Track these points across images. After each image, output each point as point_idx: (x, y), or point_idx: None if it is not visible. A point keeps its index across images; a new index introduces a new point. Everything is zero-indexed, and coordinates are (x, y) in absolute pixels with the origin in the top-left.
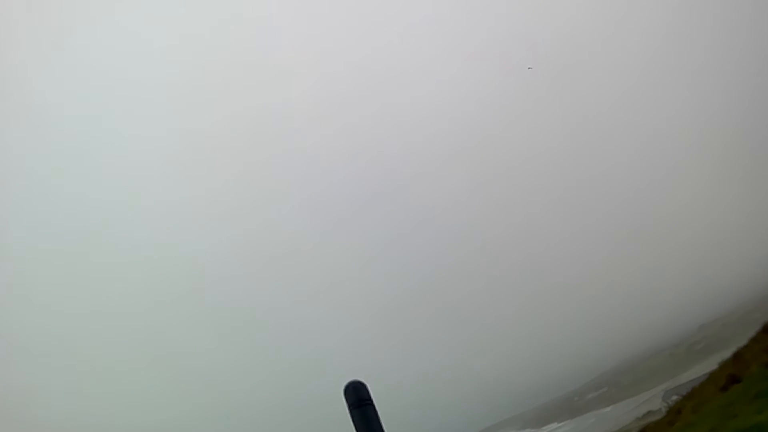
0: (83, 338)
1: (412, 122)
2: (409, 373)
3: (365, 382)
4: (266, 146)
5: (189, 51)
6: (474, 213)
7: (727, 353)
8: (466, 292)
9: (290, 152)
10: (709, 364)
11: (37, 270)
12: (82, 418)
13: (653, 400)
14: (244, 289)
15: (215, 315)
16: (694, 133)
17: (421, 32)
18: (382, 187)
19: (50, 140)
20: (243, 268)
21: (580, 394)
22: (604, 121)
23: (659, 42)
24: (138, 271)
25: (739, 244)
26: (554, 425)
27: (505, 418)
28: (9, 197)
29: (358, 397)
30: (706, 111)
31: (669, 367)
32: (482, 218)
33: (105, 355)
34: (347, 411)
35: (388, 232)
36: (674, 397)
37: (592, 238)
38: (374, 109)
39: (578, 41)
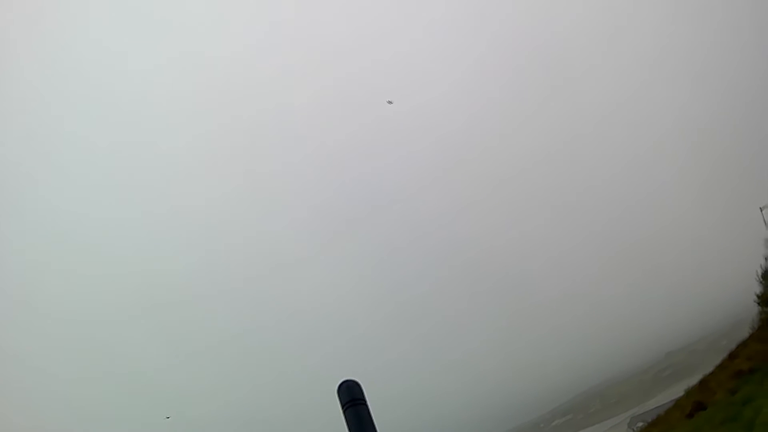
0: (83, 345)
1: (413, 131)
2: (375, 396)
3: (359, 382)
4: (264, 155)
5: (190, 57)
6: (470, 225)
7: (693, 380)
8: (441, 316)
9: (288, 161)
10: (676, 391)
11: (29, 277)
12: (42, 426)
13: (619, 427)
14: (240, 300)
15: (208, 325)
16: (671, 160)
17: (423, 41)
18: (382, 198)
19: (46, 147)
20: (238, 278)
21: (546, 421)
22: (596, 137)
23: (653, 60)
24: (131, 280)
25: (707, 273)
26: None
27: None
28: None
29: (351, 397)
30: (691, 133)
31: (635, 394)
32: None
33: (94, 364)
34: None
35: (386, 245)
36: (640, 424)
37: (562, 265)
38: (374, 117)
39: (574, 56)
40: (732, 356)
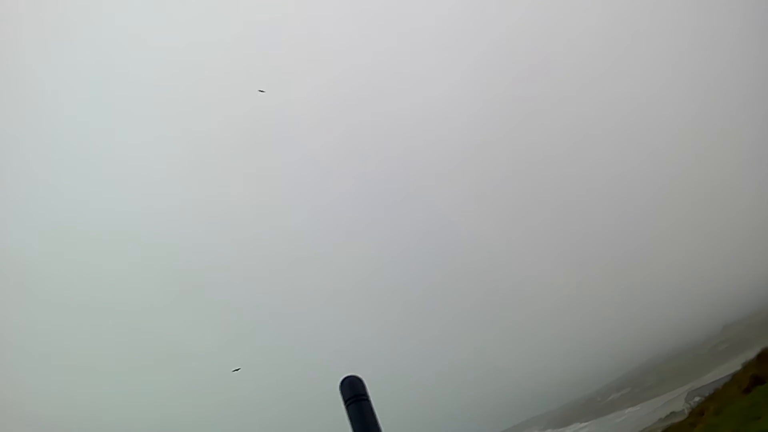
0: (87, 338)
1: (414, 127)
2: (432, 373)
3: (362, 377)
4: (268, 150)
5: (192, 54)
6: (488, 215)
7: (750, 354)
8: (488, 294)
9: (290, 157)
10: (733, 365)
11: (40, 271)
12: (86, 415)
13: (676, 401)
14: (253, 294)
15: (221, 318)
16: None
17: (424, 37)
18: (388, 198)
19: (51, 142)
20: (252, 272)
21: (602, 395)
22: (611, 120)
23: (658, 67)
24: (143, 273)
25: (764, 244)
26: (577, 425)
27: (529, 418)
28: (11, 198)
29: (354, 392)
30: (716, 115)
31: (692, 368)
32: (496, 220)
33: (109, 355)
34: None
35: (407, 234)
36: (697, 399)
37: (615, 238)
38: (376, 113)
39: (577, 66)
40: None
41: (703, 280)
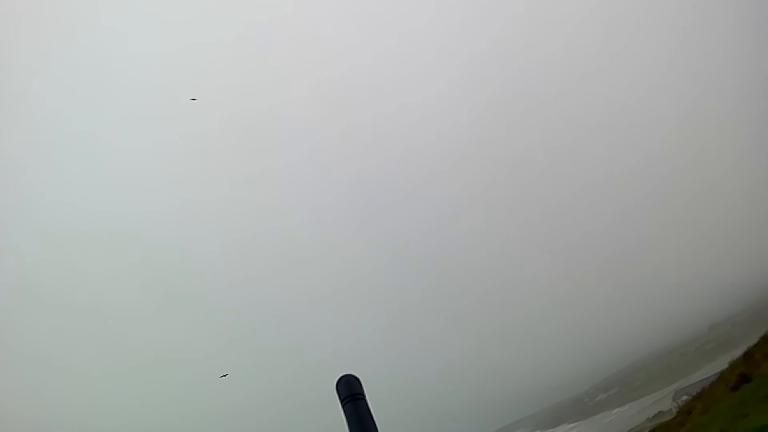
0: (87, 341)
1: (414, 127)
2: (421, 375)
3: (358, 376)
4: (268, 150)
5: (192, 55)
6: (478, 217)
7: (737, 353)
8: (477, 295)
9: (290, 157)
10: (720, 364)
11: (38, 275)
12: (83, 419)
13: (664, 401)
14: (252, 294)
15: (221, 318)
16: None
17: (424, 37)
18: (397, 190)
19: (51, 145)
20: (252, 272)
21: (590, 395)
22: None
23: (658, 64)
24: (142, 276)
25: (749, 244)
26: (566, 426)
27: (517, 419)
28: (10, 200)
29: (350, 391)
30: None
31: (679, 367)
32: (487, 221)
33: (108, 357)
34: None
35: (398, 238)
36: (684, 398)
37: (603, 238)
38: (376, 113)
39: (572, 62)
40: None
41: (690, 281)
